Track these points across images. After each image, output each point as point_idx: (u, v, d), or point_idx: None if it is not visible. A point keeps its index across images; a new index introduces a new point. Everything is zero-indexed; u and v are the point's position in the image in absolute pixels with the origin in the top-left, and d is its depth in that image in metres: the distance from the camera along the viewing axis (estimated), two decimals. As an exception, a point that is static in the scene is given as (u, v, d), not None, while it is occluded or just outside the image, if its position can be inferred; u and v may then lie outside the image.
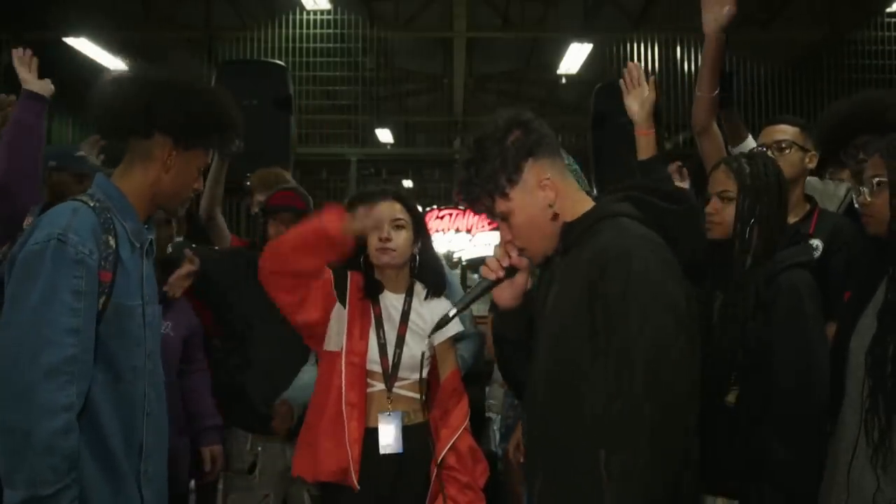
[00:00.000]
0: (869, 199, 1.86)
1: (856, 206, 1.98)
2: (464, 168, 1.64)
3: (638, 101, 2.44)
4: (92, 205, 1.64)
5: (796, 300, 1.91)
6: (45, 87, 2.31)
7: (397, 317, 2.31)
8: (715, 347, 1.95)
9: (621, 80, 2.48)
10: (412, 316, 2.32)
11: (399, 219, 2.28)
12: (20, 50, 2.38)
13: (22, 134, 2.22)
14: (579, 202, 1.64)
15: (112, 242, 1.64)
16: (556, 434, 1.56)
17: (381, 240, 2.25)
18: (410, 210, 2.34)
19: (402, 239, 2.28)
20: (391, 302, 2.32)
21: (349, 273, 2.31)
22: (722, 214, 2.04)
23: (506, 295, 1.73)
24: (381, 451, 2.20)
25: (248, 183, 3.22)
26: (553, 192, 1.60)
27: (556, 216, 1.61)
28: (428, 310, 2.35)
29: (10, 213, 2.21)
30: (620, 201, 1.62)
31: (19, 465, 1.47)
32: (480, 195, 1.62)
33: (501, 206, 1.61)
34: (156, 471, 1.74)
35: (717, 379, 1.92)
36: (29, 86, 2.28)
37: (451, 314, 1.79)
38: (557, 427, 1.56)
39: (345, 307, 2.27)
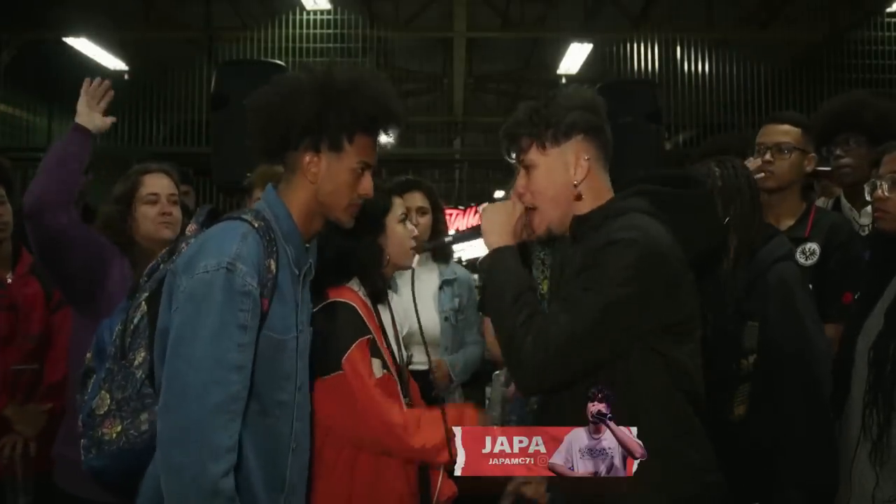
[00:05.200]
0: (888, 194, 1.85)
1: (867, 198, 1.96)
2: (524, 107, 1.70)
3: None
4: (257, 225, 1.57)
5: (787, 295, 1.90)
6: (95, 124, 2.28)
7: (389, 314, 2.18)
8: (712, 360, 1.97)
9: None
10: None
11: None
12: (95, 82, 2.32)
13: (62, 163, 2.20)
14: (602, 197, 1.68)
15: (273, 267, 1.56)
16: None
17: (414, 238, 2.11)
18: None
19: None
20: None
21: (347, 302, 1.98)
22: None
23: None
24: None
25: (246, 182, 3.20)
26: (584, 173, 1.65)
27: (579, 196, 1.66)
28: (395, 298, 2.27)
29: (45, 236, 2.20)
30: (632, 196, 1.66)
31: None
32: (523, 135, 1.67)
33: (533, 155, 1.67)
34: None
35: (722, 393, 1.92)
36: (79, 118, 2.26)
37: (447, 240, 1.82)
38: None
39: (372, 334, 1.99)
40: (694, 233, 1.63)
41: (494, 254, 1.66)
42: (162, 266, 1.66)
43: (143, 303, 1.62)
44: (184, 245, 1.63)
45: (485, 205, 1.77)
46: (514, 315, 1.54)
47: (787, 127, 2.47)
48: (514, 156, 1.70)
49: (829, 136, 2.61)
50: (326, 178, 1.63)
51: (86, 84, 2.30)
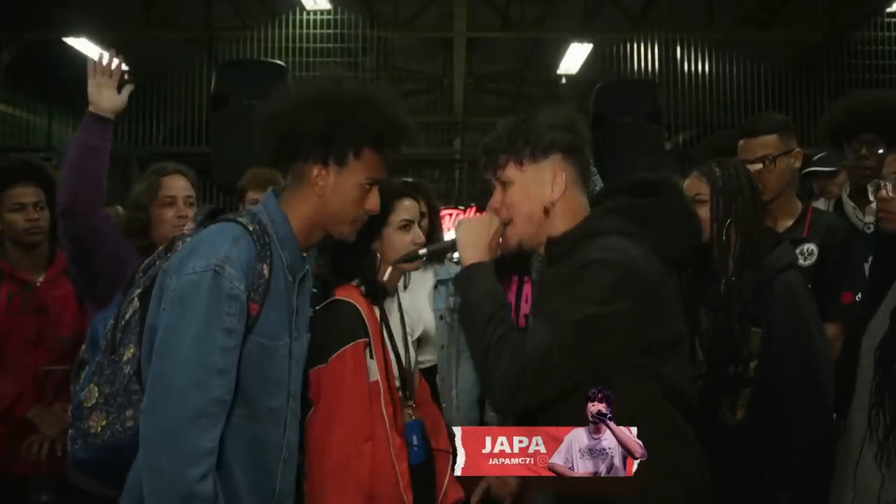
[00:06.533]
0: (892, 194, 1.83)
1: (871, 199, 1.95)
2: (504, 124, 1.69)
3: None
4: (251, 229, 1.56)
5: (794, 303, 1.91)
6: (110, 105, 2.19)
7: (398, 315, 2.17)
8: (714, 365, 1.96)
9: None
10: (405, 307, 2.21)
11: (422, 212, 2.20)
12: (103, 58, 2.20)
13: (87, 156, 2.15)
14: (577, 217, 1.67)
15: (265, 272, 1.55)
16: None
17: (416, 244, 2.05)
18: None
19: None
20: (388, 303, 2.15)
21: (350, 302, 1.95)
22: (698, 216, 2.02)
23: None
24: (413, 462, 1.99)
25: (238, 185, 3.20)
26: (560, 191, 1.64)
27: (547, 212, 1.66)
28: (408, 298, 2.25)
29: (79, 233, 2.20)
30: (604, 214, 1.66)
31: None
32: (501, 152, 1.67)
33: (510, 172, 1.67)
34: None
35: (725, 398, 1.93)
36: (95, 108, 2.17)
37: (421, 252, 1.89)
38: None
39: (369, 337, 1.94)
40: (671, 239, 1.63)
41: (471, 269, 1.64)
42: (157, 262, 1.66)
43: (136, 298, 1.62)
44: (180, 243, 1.63)
45: (461, 218, 1.78)
46: (490, 331, 1.53)
47: (763, 139, 2.42)
48: (491, 172, 1.70)
49: (852, 134, 2.54)
50: (334, 193, 1.63)
51: (90, 65, 2.20)
